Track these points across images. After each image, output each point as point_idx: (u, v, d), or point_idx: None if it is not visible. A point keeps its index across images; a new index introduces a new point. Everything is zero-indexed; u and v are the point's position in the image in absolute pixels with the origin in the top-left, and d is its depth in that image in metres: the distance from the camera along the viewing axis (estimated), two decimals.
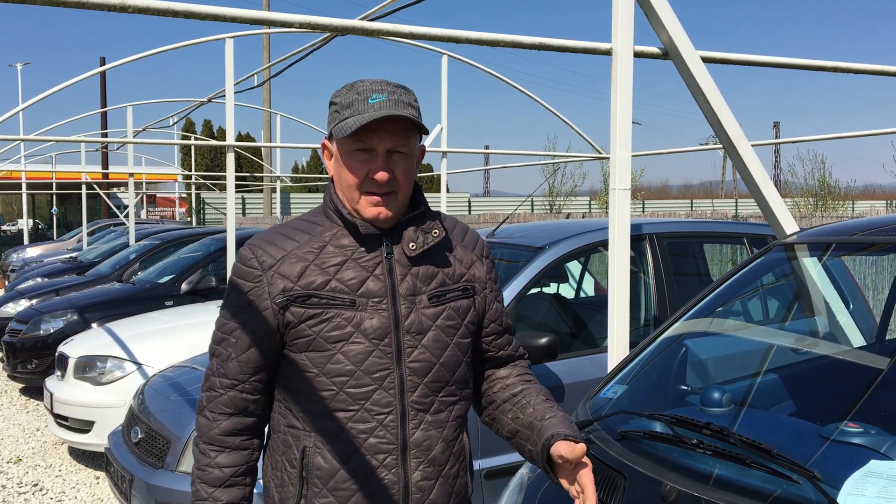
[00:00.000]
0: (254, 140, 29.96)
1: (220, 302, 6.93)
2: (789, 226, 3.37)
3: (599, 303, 5.89)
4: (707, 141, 69.58)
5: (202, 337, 5.63)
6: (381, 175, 1.60)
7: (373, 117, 1.55)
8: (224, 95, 8.48)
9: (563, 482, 1.65)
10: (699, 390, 2.71)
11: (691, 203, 41.35)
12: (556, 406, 1.78)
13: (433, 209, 1.76)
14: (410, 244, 1.66)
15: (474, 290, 1.75)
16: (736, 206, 42.97)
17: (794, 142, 7.14)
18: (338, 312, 1.59)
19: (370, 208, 1.63)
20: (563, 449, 1.60)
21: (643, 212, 31.47)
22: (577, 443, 1.60)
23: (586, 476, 1.58)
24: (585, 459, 1.60)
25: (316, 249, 1.63)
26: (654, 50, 3.22)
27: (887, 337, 3.34)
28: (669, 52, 3.21)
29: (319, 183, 34.10)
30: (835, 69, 3.55)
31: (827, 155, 43.14)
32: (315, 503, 1.61)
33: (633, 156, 11.09)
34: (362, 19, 4.75)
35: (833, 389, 2.90)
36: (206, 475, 1.63)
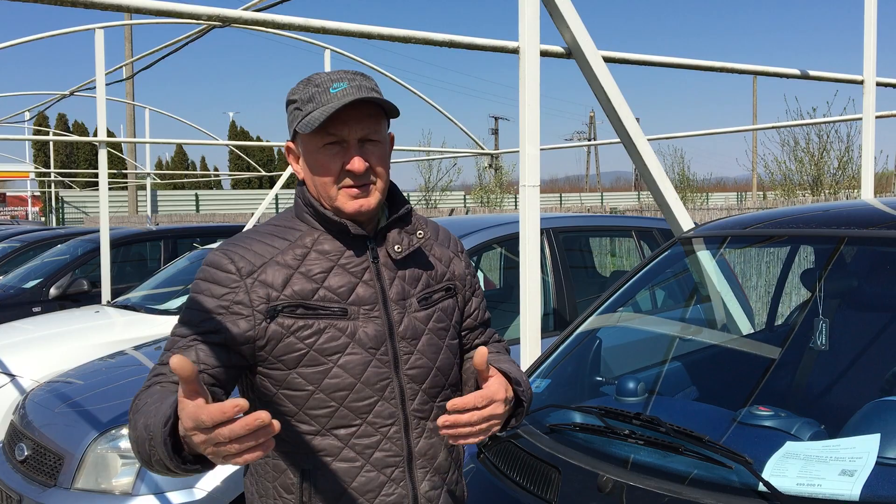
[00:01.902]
0: (114, 135, 28.42)
1: (96, 307, 6.52)
2: (685, 220, 3.52)
3: (491, 297, 5.98)
4: (572, 137, 72.05)
5: (80, 345, 5.32)
6: (358, 164, 1.51)
7: (340, 104, 1.46)
8: (90, 88, 8.00)
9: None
10: (614, 381, 2.80)
11: (560, 197, 42.71)
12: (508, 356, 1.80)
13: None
14: (395, 246, 1.60)
15: (456, 289, 1.71)
16: (602, 199, 44.73)
17: (664, 138, 7.49)
18: (330, 323, 1.49)
19: (350, 202, 1.54)
20: (477, 357, 1.48)
21: (515, 207, 32.19)
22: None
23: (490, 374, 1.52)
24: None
25: (299, 256, 1.52)
26: (559, 49, 3.28)
27: (776, 323, 3.55)
28: (573, 52, 3.29)
29: (185, 180, 32.90)
30: (721, 69, 3.74)
31: (685, 150, 45.65)
32: None
33: (508, 152, 11.26)
34: (245, 9, 4.59)
35: (732, 375, 3.05)
36: (140, 420, 1.35)
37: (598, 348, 2.93)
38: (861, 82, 4.37)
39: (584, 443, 2.19)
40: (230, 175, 28.24)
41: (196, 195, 30.55)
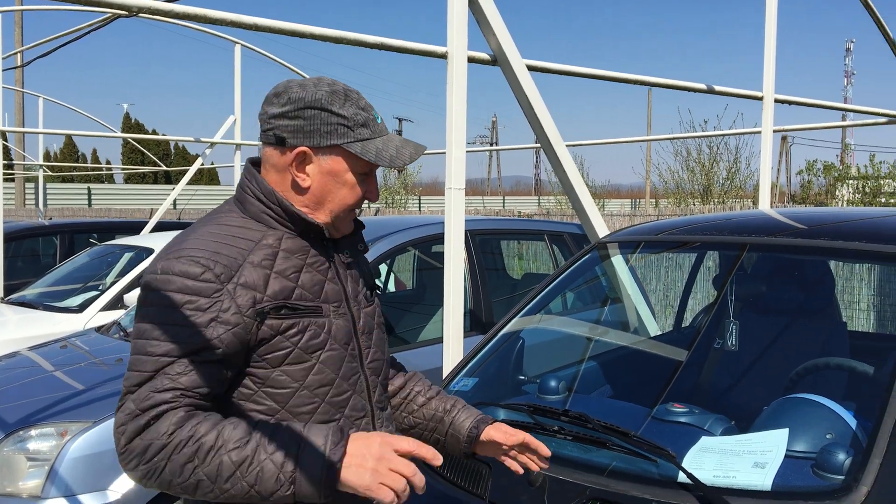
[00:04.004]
0: None
1: None
2: (600, 226, 3.66)
3: (404, 298, 6.02)
4: (475, 141, 72.86)
5: None
6: (376, 193, 1.62)
7: (410, 160, 1.57)
8: None
9: (493, 455, 1.82)
10: (536, 379, 2.89)
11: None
12: (443, 392, 1.89)
13: None
14: (346, 250, 1.67)
15: (377, 288, 1.80)
16: (503, 202, 45.43)
17: (576, 145, 7.72)
18: (311, 320, 1.51)
19: (350, 224, 1.64)
20: (498, 436, 1.77)
21: (419, 209, 32.33)
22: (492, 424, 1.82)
23: (525, 436, 1.79)
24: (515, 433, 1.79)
25: (269, 256, 1.51)
26: (485, 56, 3.36)
27: (683, 325, 3.73)
28: (498, 59, 3.37)
29: (75, 174, 31.50)
30: (636, 82, 3.91)
31: (585, 157, 47.00)
32: None
33: (428, 154, 11.32)
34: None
35: (644, 374, 3.20)
36: (199, 438, 1.34)
37: (521, 349, 3.01)
38: (761, 98, 4.64)
39: None
40: (127, 169, 27.19)
41: (88, 189, 29.35)
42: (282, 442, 1.35)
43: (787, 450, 2.06)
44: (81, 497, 3.01)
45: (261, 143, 1.61)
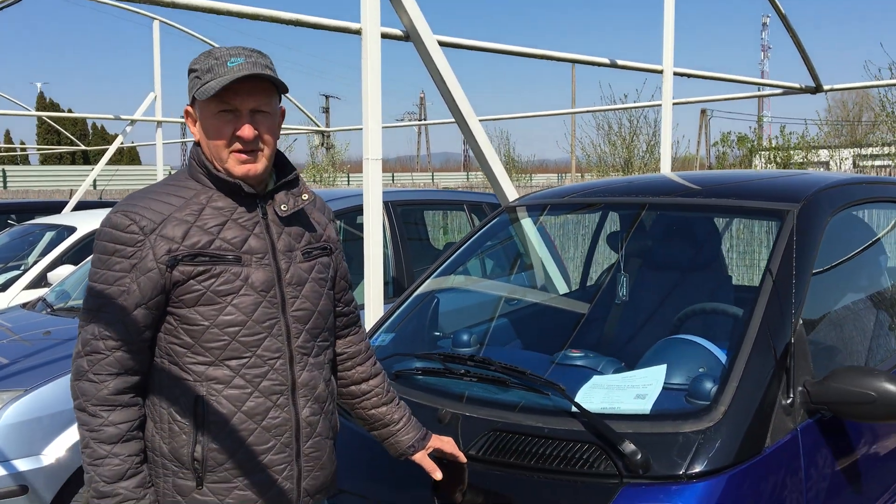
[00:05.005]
0: None
1: None
2: (510, 192, 3.90)
3: None
4: (403, 117, 72.67)
5: None
6: (248, 131, 1.71)
7: (234, 77, 1.66)
8: None
9: (421, 460, 2.09)
10: (449, 335, 3.11)
11: (392, 176, 43.18)
12: (396, 399, 2.13)
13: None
14: (282, 206, 1.81)
15: (331, 249, 1.95)
16: (433, 178, 45.61)
17: (492, 119, 7.95)
18: (225, 268, 1.70)
19: (239, 166, 1.74)
20: (446, 447, 2.10)
21: (348, 184, 32.26)
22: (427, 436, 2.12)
23: (451, 445, 2.11)
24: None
25: (195, 212, 1.71)
26: (398, 32, 3.53)
27: (587, 284, 4.01)
28: (410, 35, 3.55)
29: None
30: (543, 56, 4.14)
31: (511, 132, 47.46)
32: (211, 446, 1.70)
33: (348, 129, 11.38)
34: None
35: (550, 327, 3.47)
36: (101, 434, 1.65)
37: (435, 307, 3.23)
38: (661, 72, 4.95)
39: (425, 384, 2.48)
40: (43, 149, 26.31)
41: (3, 171, 28.38)
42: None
43: (665, 383, 2.34)
44: (16, 462, 3.11)
45: None
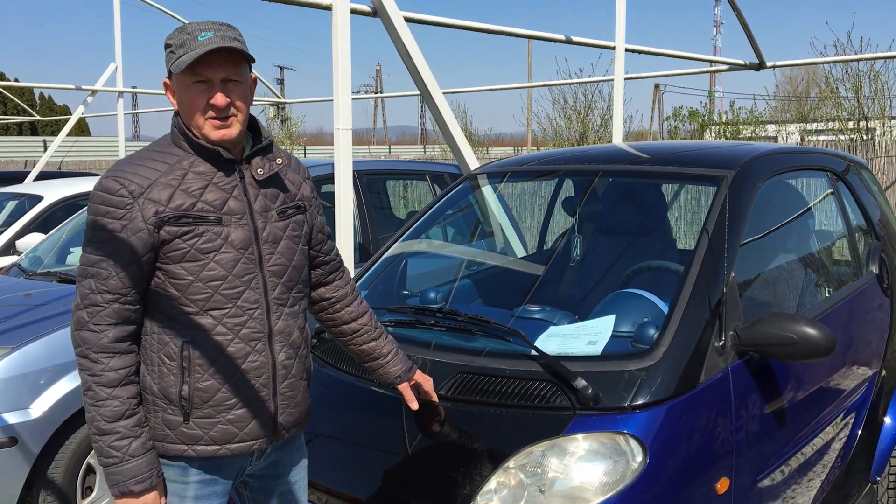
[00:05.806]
0: None
1: None
2: (471, 161, 4.13)
3: None
4: (359, 90, 72.10)
5: None
6: (220, 99, 1.88)
7: (205, 50, 1.85)
8: None
9: (404, 390, 2.32)
10: (417, 293, 3.35)
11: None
12: (384, 334, 2.35)
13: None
14: (258, 170, 2.00)
15: (305, 207, 2.14)
16: (389, 151, 45.52)
17: (452, 93, 8.14)
18: (207, 228, 1.89)
19: (214, 131, 1.92)
20: (426, 385, 2.34)
21: (304, 156, 32.09)
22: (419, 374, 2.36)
23: (430, 385, 2.37)
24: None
25: (179, 177, 1.90)
26: (366, 8, 3.72)
27: (544, 248, 4.28)
28: (378, 11, 3.74)
29: None
30: (502, 32, 4.36)
31: (468, 105, 47.55)
32: (198, 385, 1.91)
33: (312, 101, 11.43)
34: None
35: (510, 287, 3.73)
36: (102, 378, 1.84)
37: (403, 269, 3.46)
38: (613, 48, 5.20)
39: (397, 335, 2.71)
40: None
41: None
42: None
43: (614, 331, 2.61)
44: (5, 415, 3.28)
45: None
